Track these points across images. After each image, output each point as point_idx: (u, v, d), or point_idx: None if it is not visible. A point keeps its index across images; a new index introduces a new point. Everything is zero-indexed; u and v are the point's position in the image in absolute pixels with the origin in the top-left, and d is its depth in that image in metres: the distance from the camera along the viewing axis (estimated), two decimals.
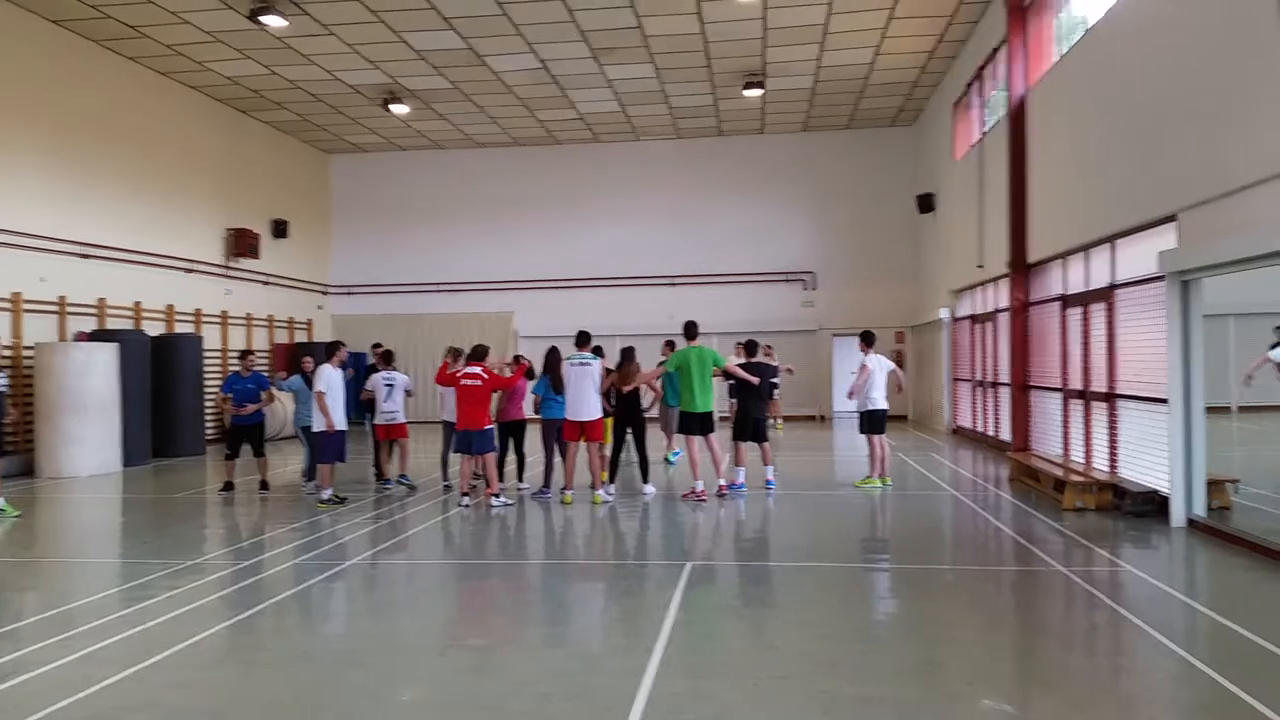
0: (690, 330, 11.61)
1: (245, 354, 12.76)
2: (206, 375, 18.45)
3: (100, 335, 15.65)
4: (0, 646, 5.78)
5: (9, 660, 5.48)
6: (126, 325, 17.14)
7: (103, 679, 5.12)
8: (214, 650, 5.73)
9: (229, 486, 12.28)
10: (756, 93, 20.29)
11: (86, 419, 14.24)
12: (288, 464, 15.71)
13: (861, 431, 12.37)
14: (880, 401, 12.11)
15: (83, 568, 8.52)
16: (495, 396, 11.36)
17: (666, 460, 14.55)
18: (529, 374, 11.83)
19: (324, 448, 11.17)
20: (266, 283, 22.26)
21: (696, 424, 11.39)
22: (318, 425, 11.13)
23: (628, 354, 11.70)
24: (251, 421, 12.46)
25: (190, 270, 19.36)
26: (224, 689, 5.10)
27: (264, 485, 12.41)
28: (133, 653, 5.60)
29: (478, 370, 10.80)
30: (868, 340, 12.34)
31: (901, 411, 23.50)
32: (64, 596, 7.17)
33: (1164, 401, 9.22)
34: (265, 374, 13.51)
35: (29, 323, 15.00)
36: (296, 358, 14.23)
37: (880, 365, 12.17)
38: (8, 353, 14.66)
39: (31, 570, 8.26)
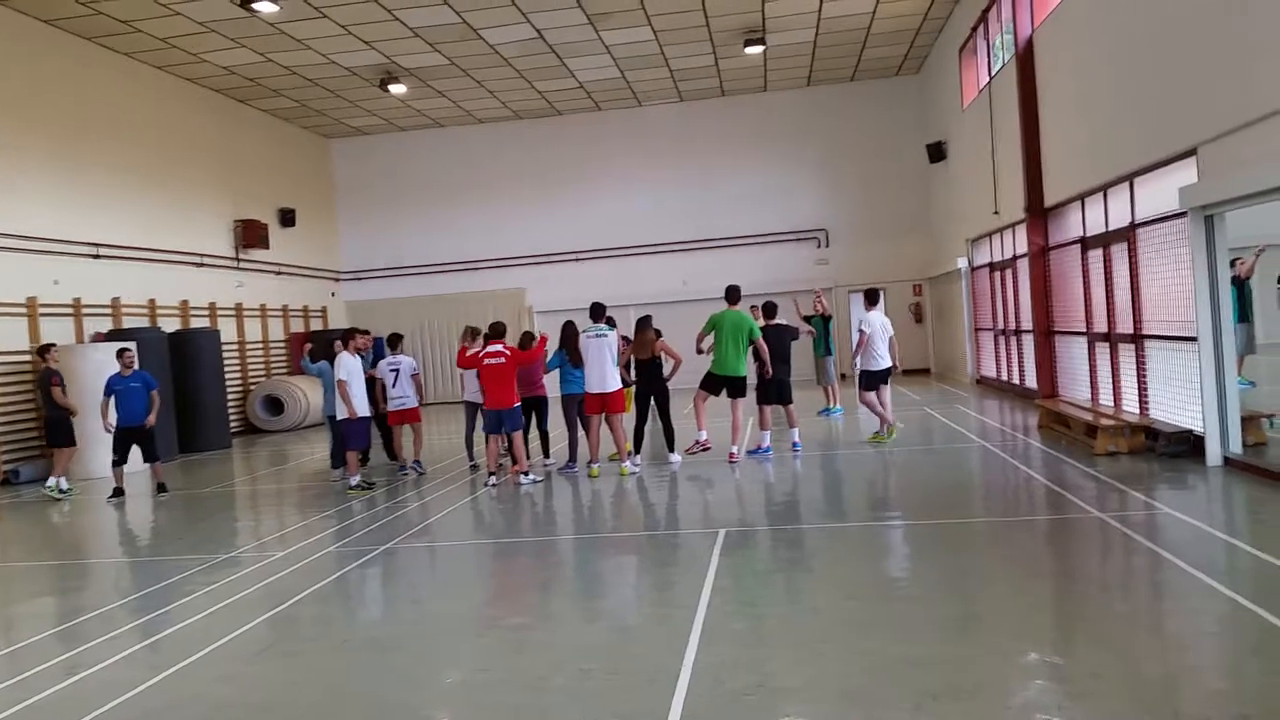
0: (731, 295, 11.52)
1: (123, 351, 12.20)
2: (226, 369, 18.53)
3: (117, 335, 15.66)
4: (49, 649, 5.81)
5: (60, 662, 5.51)
6: (142, 323, 17.17)
7: (149, 677, 5.14)
8: (256, 642, 5.73)
9: (119, 493, 11.86)
10: (757, 50, 19.99)
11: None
12: (314, 451, 15.78)
13: (860, 386, 12.20)
14: (883, 361, 11.95)
15: (121, 567, 8.57)
16: None
17: (828, 412, 15.30)
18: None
19: (349, 435, 11.18)
20: (278, 273, 22.24)
21: (721, 385, 11.32)
22: (341, 413, 11.13)
23: (643, 323, 11.66)
24: (138, 424, 11.94)
25: (201, 264, 19.35)
26: (268, 681, 5.11)
27: (161, 489, 12.07)
28: (177, 649, 5.63)
29: (499, 348, 10.75)
30: (870, 299, 12.25)
31: (924, 365, 23.41)
32: (106, 596, 7.22)
33: (1193, 340, 9.09)
34: (151, 373, 12.70)
35: (46, 326, 15.03)
36: (324, 343, 13.89)
37: (882, 328, 11.99)
38: (27, 357, 14.71)
39: (72, 572, 8.31)
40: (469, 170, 25.07)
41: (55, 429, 12.67)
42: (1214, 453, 8.86)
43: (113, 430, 11.91)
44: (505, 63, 19.99)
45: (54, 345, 13.24)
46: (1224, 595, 5.37)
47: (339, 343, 11.64)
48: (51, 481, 12.40)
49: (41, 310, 14.97)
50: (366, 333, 12.01)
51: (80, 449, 13.19)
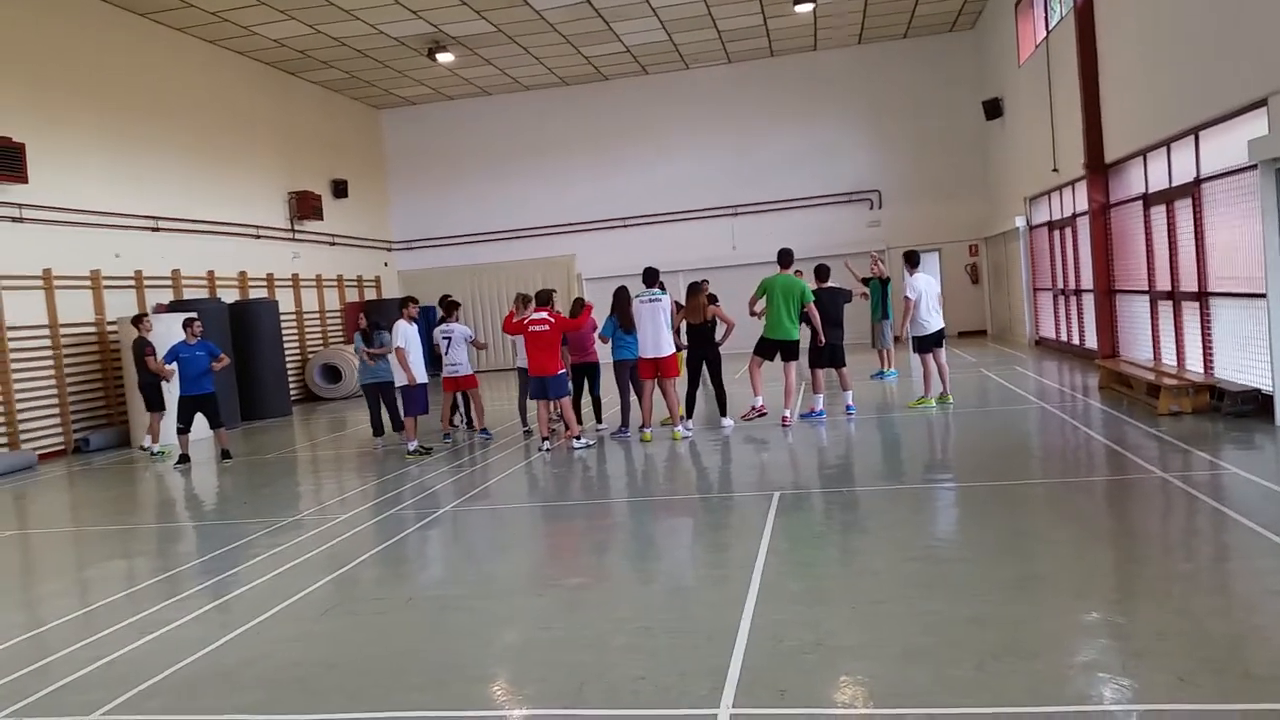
0: (783, 258, 11.46)
1: (190, 320, 12.37)
2: (285, 338, 18.89)
3: (178, 306, 15.98)
4: (124, 609, 6.01)
5: (132, 623, 5.69)
6: (201, 295, 17.52)
7: (220, 636, 5.29)
8: (322, 602, 5.87)
9: (185, 459, 12.11)
10: (807, 7, 19.65)
11: (173, 388, 14.59)
12: (364, 421, 15.99)
13: (914, 351, 12.17)
14: (932, 325, 11.80)
15: (189, 530, 8.83)
16: None
17: (882, 375, 15.11)
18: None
19: (408, 401, 11.35)
20: (332, 243, 22.53)
21: (774, 350, 11.27)
22: (400, 380, 11.29)
23: (694, 288, 11.62)
24: (203, 392, 12.13)
25: (258, 236, 19.66)
26: (334, 640, 5.23)
27: (226, 455, 12.29)
28: (246, 609, 5.78)
29: (544, 315, 10.80)
30: (912, 261, 12.08)
31: (980, 326, 23.06)
32: (175, 559, 7.45)
33: (1262, 296, 8.83)
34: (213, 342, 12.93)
35: (109, 298, 15.41)
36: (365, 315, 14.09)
37: (927, 288, 11.85)
38: (93, 328, 15.12)
39: (142, 536, 8.58)
40: (517, 138, 25.06)
41: (149, 394, 13.20)
42: None
43: (172, 376, 12.27)
44: (552, 28, 19.89)
45: (146, 315, 13.73)
46: None
47: (362, 317, 11.94)
48: (147, 443, 13.31)
49: (105, 283, 15.34)
50: (414, 300, 12.15)
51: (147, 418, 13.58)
